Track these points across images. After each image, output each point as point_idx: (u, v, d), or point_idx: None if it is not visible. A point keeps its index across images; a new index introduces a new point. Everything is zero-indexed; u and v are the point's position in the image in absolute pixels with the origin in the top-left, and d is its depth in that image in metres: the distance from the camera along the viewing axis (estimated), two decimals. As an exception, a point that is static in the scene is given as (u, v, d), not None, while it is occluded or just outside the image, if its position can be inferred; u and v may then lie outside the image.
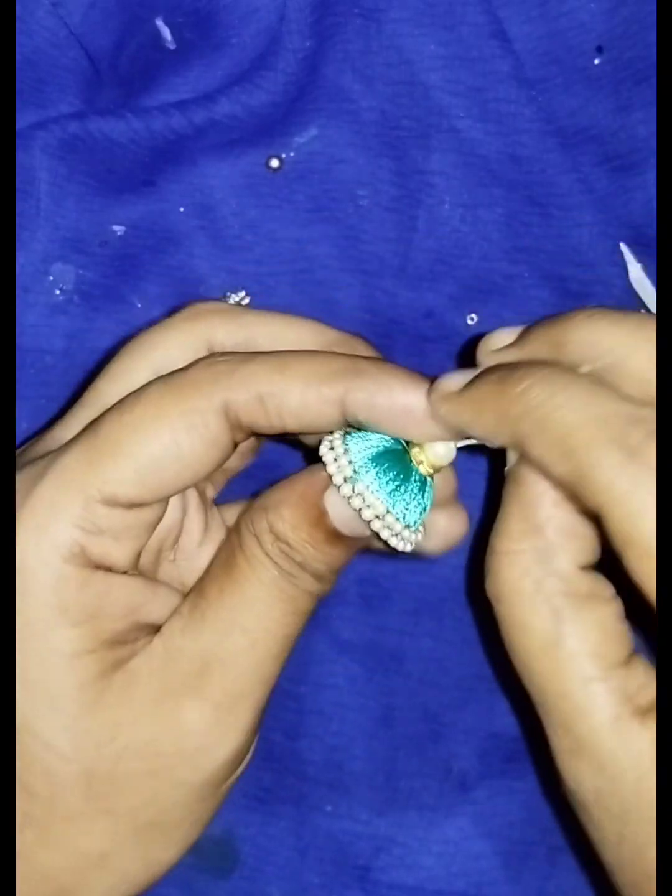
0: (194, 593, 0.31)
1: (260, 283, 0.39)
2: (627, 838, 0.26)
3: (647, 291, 0.39)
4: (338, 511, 0.29)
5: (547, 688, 0.27)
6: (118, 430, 0.29)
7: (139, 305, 0.39)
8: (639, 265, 0.39)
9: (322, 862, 0.38)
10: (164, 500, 0.30)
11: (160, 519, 0.31)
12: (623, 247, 0.39)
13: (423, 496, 0.31)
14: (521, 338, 0.29)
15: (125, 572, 0.30)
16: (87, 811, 0.29)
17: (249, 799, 0.39)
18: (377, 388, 0.29)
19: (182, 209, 0.39)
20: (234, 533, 0.31)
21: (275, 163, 0.39)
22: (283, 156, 0.39)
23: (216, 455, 0.30)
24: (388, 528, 0.30)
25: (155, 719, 0.29)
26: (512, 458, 0.28)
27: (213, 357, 0.30)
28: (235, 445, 0.30)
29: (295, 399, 0.29)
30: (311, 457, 0.32)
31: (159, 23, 0.39)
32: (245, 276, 0.39)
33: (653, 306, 0.39)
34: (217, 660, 0.29)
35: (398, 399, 0.29)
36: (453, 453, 0.30)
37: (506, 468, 0.29)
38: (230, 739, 0.30)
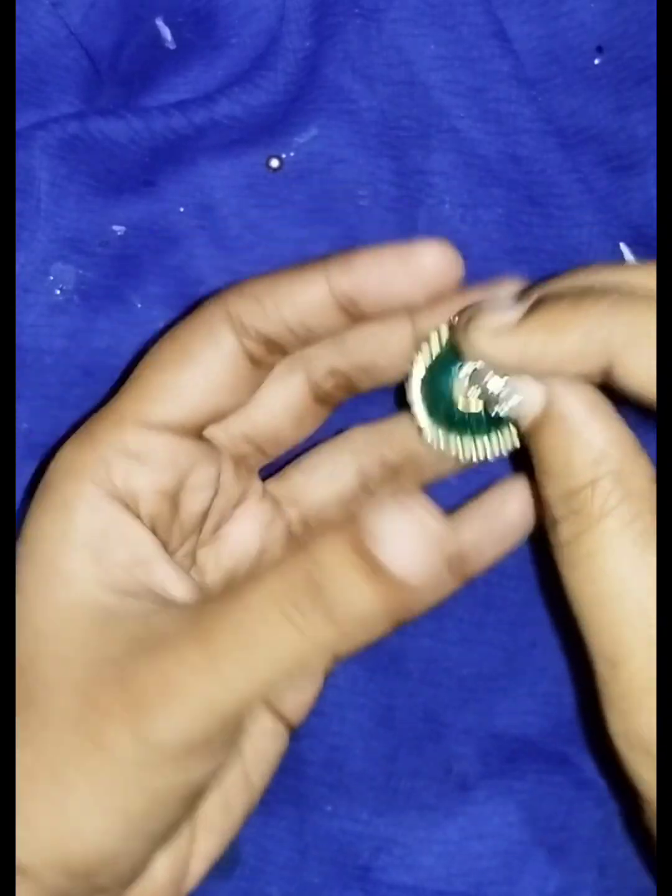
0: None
1: (260, 284, 0.39)
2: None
3: (646, 291, 0.39)
4: (388, 537, 0.25)
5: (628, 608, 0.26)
6: (143, 366, 0.30)
7: (139, 305, 0.39)
8: (639, 265, 0.39)
9: (322, 862, 0.38)
10: (192, 436, 0.30)
11: (188, 464, 0.30)
12: (623, 247, 0.39)
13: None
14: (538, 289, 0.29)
15: (141, 520, 0.30)
16: (20, 729, 0.27)
17: (249, 799, 0.39)
18: (363, 263, 0.29)
19: (182, 209, 0.39)
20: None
21: (275, 163, 0.39)
22: (283, 156, 0.39)
23: (234, 364, 0.30)
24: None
25: (100, 676, 0.27)
26: (538, 399, 0.28)
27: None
28: (258, 363, 0.30)
29: (285, 288, 0.30)
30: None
31: (159, 23, 0.39)
32: (245, 275, 0.39)
33: (653, 306, 0.39)
34: (169, 648, 0.27)
35: (380, 253, 0.29)
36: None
37: (527, 421, 0.28)
38: (159, 727, 0.27)
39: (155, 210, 0.39)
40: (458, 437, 0.31)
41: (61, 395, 0.39)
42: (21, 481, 0.38)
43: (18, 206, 0.38)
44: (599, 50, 0.39)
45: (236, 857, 0.38)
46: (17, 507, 0.38)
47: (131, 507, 0.30)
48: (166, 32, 0.39)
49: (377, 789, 0.39)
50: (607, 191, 0.39)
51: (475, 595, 0.39)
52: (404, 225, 0.39)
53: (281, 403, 0.33)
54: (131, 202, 0.39)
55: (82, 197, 0.39)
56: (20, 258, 0.38)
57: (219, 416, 0.31)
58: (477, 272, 0.39)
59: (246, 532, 0.33)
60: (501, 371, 0.29)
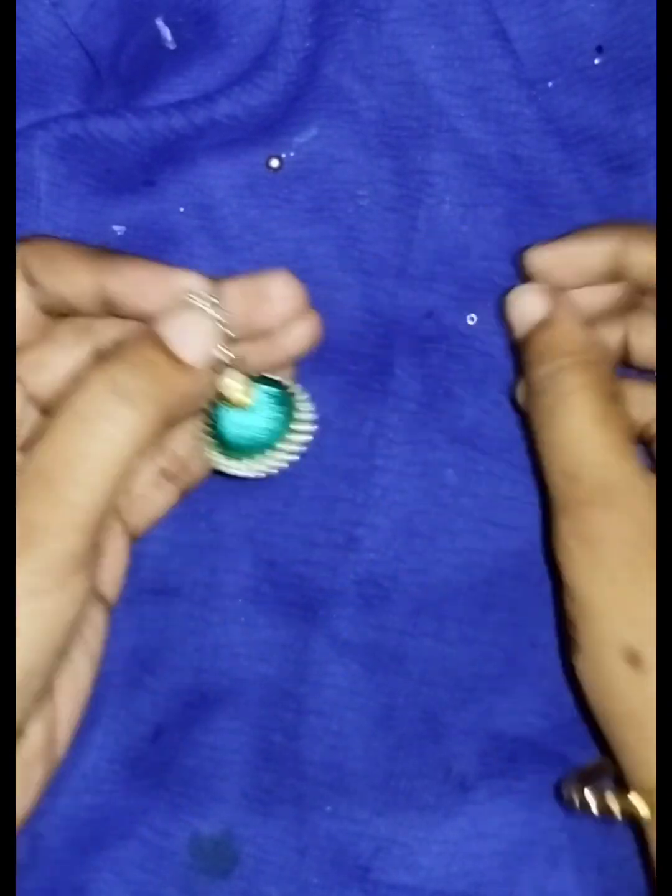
0: None
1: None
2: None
3: (646, 291, 0.39)
4: (172, 329, 0.31)
5: (562, 454, 0.33)
6: None
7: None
8: (638, 265, 0.39)
9: (322, 862, 0.38)
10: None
11: None
12: (623, 247, 0.39)
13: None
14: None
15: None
16: None
17: (249, 799, 0.39)
18: (128, 270, 0.33)
19: (182, 209, 0.39)
20: None
21: (275, 163, 0.39)
22: (284, 156, 0.39)
23: (26, 314, 0.33)
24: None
25: None
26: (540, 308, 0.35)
27: None
28: (53, 313, 0.33)
29: (61, 265, 0.32)
30: None
31: (159, 23, 0.39)
32: (245, 275, 0.39)
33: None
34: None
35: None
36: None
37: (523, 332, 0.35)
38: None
39: (155, 210, 0.39)
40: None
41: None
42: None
43: (19, 205, 0.38)
44: (599, 50, 0.39)
45: (235, 857, 0.39)
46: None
47: None
48: (166, 32, 0.39)
49: (377, 789, 0.39)
50: (607, 191, 0.39)
51: (475, 595, 0.39)
52: (404, 224, 0.39)
53: (68, 372, 0.34)
54: (131, 202, 0.39)
55: (82, 197, 0.39)
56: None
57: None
58: (477, 272, 0.39)
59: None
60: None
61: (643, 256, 0.34)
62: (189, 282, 0.33)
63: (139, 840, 0.38)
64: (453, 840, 0.38)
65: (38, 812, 0.34)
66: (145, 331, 0.31)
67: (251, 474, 0.35)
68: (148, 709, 0.40)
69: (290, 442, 0.35)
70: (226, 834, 0.39)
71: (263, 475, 0.35)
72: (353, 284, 0.39)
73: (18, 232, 0.38)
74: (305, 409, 0.36)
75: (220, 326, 0.33)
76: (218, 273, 0.39)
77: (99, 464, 0.30)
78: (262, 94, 0.38)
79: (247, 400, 0.35)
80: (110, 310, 0.33)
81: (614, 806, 0.31)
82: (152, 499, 0.37)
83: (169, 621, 0.40)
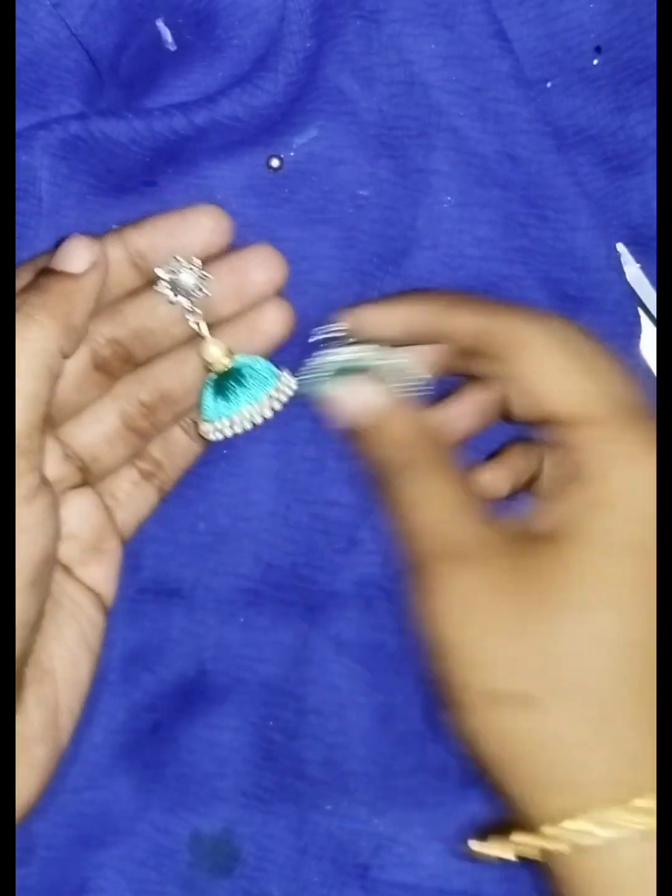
0: None
1: (260, 283, 0.39)
2: None
3: (645, 291, 0.39)
4: (57, 254, 0.35)
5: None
6: None
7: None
8: (637, 265, 0.39)
9: (322, 860, 0.38)
10: None
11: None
12: (621, 247, 0.39)
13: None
14: None
15: None
16: None
17: (249, 798, 0.39)
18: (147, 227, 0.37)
19: (182, 209, 0.39)
20: None
21: (275, 163, 0.39)
22: (284, 156, 0.39)
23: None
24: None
25: None
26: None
27: None
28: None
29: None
30: None
31: (160, 24, 0.39)
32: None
33: (652, 306, 0.39)
34: None
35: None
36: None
37: None
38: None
39: (155, 211, 0.39)
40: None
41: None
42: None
43: (19, 205, 0.38)
44: (598, 50, 0.39)
45: (236, 856, 0.39)
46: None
47: None
48: (167, 34, 0.39)
49: (377, 788, 0.39)
50: (605, 191, 0.39)
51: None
52: (403, 224, 0.39)
53: (100, 433, 0.37)
54: (132, 202, 0.39)
55: (83, 197, 0.39)
56: (21, 257, 0.38)
57: None
58: (476, 271, 0.39)
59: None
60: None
61: (460, 323, 0.35)
62: (204, 216, 0.36)
63: (140, 838, 0.38)
64: (453, 838, 0.38)
65: (39, 810, 0.34)
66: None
67: (235, 430, 0.37)
68: (148, 708, 0.40)
69: (271, 396, 0.37)
70: (226, 832, 0.39)
71: (244, 430, 0.37)
72: (353, 284, 0.39)
73: (20, 231, 0.38)
74: (286, 373, 0.37)
75: (197, 292, 0.36)
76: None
77: (21, 365, 0.32)
78: (262, 94, 0.38)
79: (226, 361, 0.37)
80: (139, 264, 0.36)
81: (507, 851, 0.32)
82: (135, 499, 0.38)
83: (169, 621, 0.40)
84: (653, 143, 0.39)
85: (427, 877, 0.38)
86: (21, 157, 0.38)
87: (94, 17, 0.39)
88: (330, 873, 0.38)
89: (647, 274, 0.39)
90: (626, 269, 0.39)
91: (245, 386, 0.37)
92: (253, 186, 0.39)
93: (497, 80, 0.38)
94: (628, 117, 0.39)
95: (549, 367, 0.34)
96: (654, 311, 0.39)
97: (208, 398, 0.37)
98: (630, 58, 0.39)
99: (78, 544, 0.37)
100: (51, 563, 0.34)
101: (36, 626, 0.34)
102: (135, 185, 0.39)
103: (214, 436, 0.37)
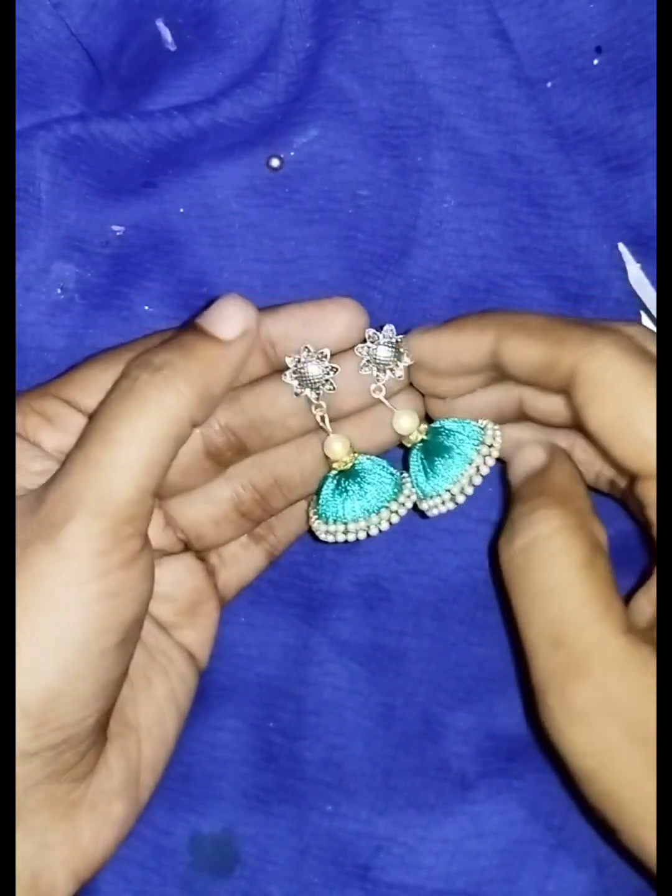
0: None
1: (261, 283, 0.39)
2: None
3: (646, 291, 0.39)
4: (206, 315, 0.33)
5: (541, 606, 0.31)
6: (85, 360, 0.36)
7: (140, 305, 0.39)
8: (637, 265, 0.39)
9: (322, 861, 0.38)
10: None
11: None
12: (622, 247, 0.39)
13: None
14: None
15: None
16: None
17: (249, 799, 0.39)
18: (282, 315, 0.35)
19: (182, 210, 0.39)
20: None
21: (275, 163, 0.39)
22: (284, 156, 0.39)
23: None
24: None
25: (21, 543, 0.31)
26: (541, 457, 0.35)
27: None
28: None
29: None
30: None
31: (160, 24, 0.39)
32: (245, 275, 0.39)
33: (652, 306, 0.39)
34: (57, 481, 0.31)
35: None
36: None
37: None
38: (63, 547, 0.30)
39: (155, 211, 0.39)
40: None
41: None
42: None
43: (19, 205, 0.38)
44: (598, 50, 0.39)
45: (236, 856, 0.39)
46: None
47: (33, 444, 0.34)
48: (167, 34, 0.39)
49: (377, 789, 0.39)
50: (606, 191, 0.39)
51: (475, 595, 0.39)
52: (404, 224, 0.39)
53: (208, 511, 0.36)
54: (132, 203, 0.39)
55: (83, 197, 0.39)
56: (21, 257, 0.38)
57: None
58: (476, 271, 0.39)
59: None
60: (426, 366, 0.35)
61: (518, 354, 0.32)
62: (339, 307, 0.34)
63: (140, 838, 0.38)
64: (453, 839, 0.38)
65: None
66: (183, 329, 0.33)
67: (348, 538, 0.36)
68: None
69: (390, 510, 0.36)
70: (226, 833, 0.39)
71: (356, 539, 0.36)
72: (353, 284, 0.39)
73: (20, 232, 0.38)
74: (408, 483, 0.36)
75: (324, 384, 0.34)
76: (219, 272, 0.39)
77: (150, 429, 0.31)
78: (262, 94, 0.39)
79: (348, 460, 0.35)
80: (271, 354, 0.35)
81: None
82: (241, 561, 0.38)
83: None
84: (653, 143, 0.39)
85: (427, 878, 0.38)
86: (21, 157, 0.38)
87: (94, 17, 0.39)
88: (330, 874, 0.38)
89: (648, 274, 0.39)
90: (628, 269, 0.39)
91: (365, 491, 0.36)
92: (253, 186, 0.39)
93: (498, 80, 0.38)
94: (628, 117, 0.39)
95: (617, 413, 0.31)
96: (654, 312, 0.39)
97: (327, 493, 0.36)
98: (630, 58, 0.39)
99: (173, 608, 0.36)
100: (140, 623, 0.33)
101: (120, 682, 0.33)
102: (135, 185, 0.40)
103: (325, 537, 0.36)
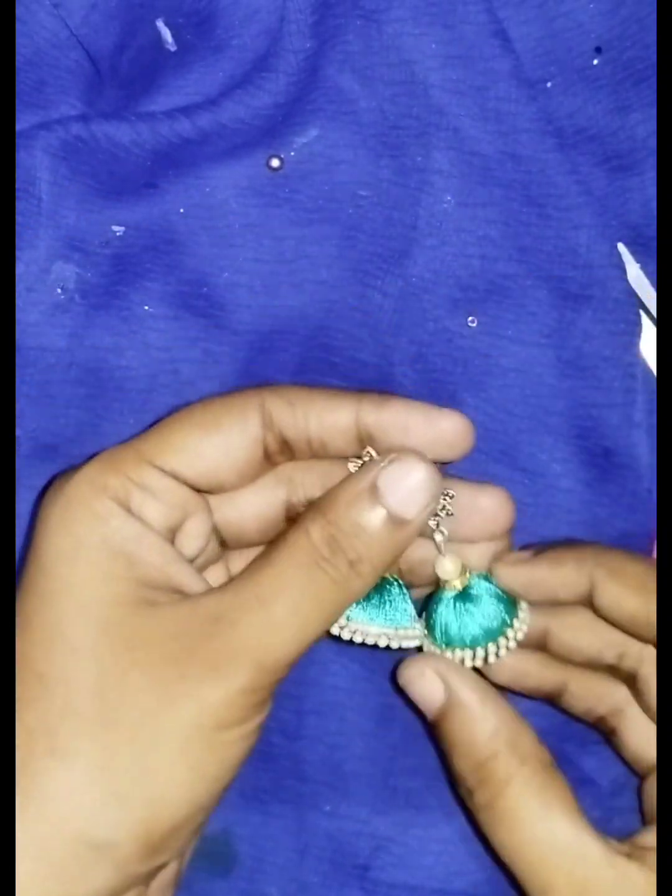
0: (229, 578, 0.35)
1: (261, 283, 0.39)
2: None
3: (645, 291, 0.39)
4: (392, 489, 0.32)
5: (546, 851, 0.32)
6: (175, 417, 0.34)
7: (140, 305, 0.39)
8: (637, 265, 0.39)
9: (321, 861, 0.38)
10: (202, 488, 0.34)
11: (195, 512, 0.34)
12: (621, 247, 0.39)
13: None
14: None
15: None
16: (93, 717, 0.31)
17: (248, 799, 0.39)
18: (387, 399, 0.34)
19: (182, 210, 0.39)
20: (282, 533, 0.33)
21: (276, 163, 0.39)
22: (284, 156, 0.39)
23: (251, 448, 0.34)
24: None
25: (165, 651, 0.31)
26: (439, 695, 0.34)
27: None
28: (268, 457, 0.34)
29: (318, 404, 0.34)
30: None
31: (160, 24, 0.39)
32: (246, 275, 0.39)
33: (652, 306, 0.39)
34: (228, 620, 0.31)
35: (409, 406, 0.34)
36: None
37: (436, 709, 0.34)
38: (228, 685, 0.31)
39: (155, 212, 0.39)
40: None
41: (65, 394, 0.39)
42: (27, 480, 0.38)
43: (20, 206, 0.38)
44: (598, 50, 0.39)
45: (235, 856, 0.39)
46: (26, 507, 0.38)
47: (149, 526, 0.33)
48: (167, 34, 0.39)
49: (376, 789, 0.39)
50: (606, 191, 0.39)
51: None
52: (404, 224, 0.39)
53: (256, 513, 0.36)
54: (132, 203, 0.39)
55: (83, 197, 0.39)
56: (22, 257, 0.38)
57: (220, 488, 0.34)
58: (476, 271, 0.39)
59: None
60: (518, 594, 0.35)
61: (613, 598, 0.33)
62: (451, 422, 0.34)
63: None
64: (452, 839, 0.38)
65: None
66: (364, 485, 0.32)
67: (476, 663, 0.35)
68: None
69: (505, 638, 0.35)
70: (225, 833, 0.39)
71: (468, 665, 0.35)
72: (353, 284, 0.39)
73: (20, 232, 0.38)
74: (524, 610, 0.36)
75: (442, 496, 0.34)
76: (219, 273, 0.39)
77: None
78: (262, 94, 0.39)
79: (459, 583, 0.35)
80: (367, 443, 0.34)
81: None
82: None
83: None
84: (653, 142, 0.39)
85: (426, 878, 0.38)
86: (21, 157, 0.38)
87: (94, 17, 0.39)
88: (329, 874, 0.38)
89: (648, 274, 0.39)
90: (627, 269, 0.39)
91: (472, 616, 0.35)
92: (253, 186, 0.39)
93: (498, 80, 0.38)
94: (628, 117, 0.39)
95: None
96: (654, 312, 0.39)
97: (439, 613, 0.36)
98: (630, 58, 0.39)
99: None
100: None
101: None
102: (135, 185, 0.40)
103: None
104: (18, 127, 0.39)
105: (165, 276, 0.39)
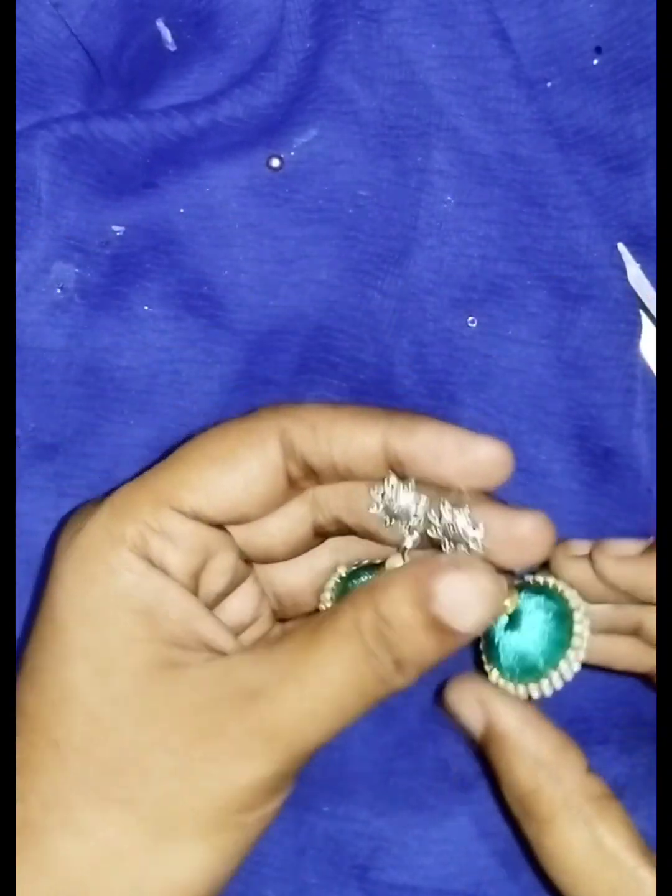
0: (271, 640, 0.34)
1: (261, 283, 0.39)
2: None
3: (645, 292, 0.39)
4: (450, 599, 0.29)
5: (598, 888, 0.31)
6: (188, 451, 0.32)
7: (140, 305, 0.39)
8: (637, 265, 0.39)
9: (320, 862, 0.38)
10: (224, 526, 0.32)
11: (218, 550, 0.32)
12: (621, 247, 0.39)
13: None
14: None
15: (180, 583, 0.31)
16: (111, 794, 0.30)
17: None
18: (417, 423, 0.31)
19: (182, 210, 0.39)
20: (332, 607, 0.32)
21: (275, 163, 0.39)
22: (284, 156, 0.39)
23: (273, 479, 0.32)
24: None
25: (192, 725, 0.30)
26: (479, 724, 0.33)
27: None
28: (292, 484, 0.32)
29: (342, 428, 0.31)
30: None
31: (160, 24, 0.39)
32: (246, 275, 0.39)
33: (652, 306, 0.39)
34: (266, 697, 0.29)
35: (441, 431, 0.31)
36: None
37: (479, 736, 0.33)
38: (257, 768, 0.30)
39: (155, 211, 0.39)
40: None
41: (65, 394, 0.39)
42: (27, 480, 0.38)
43: (19, 205, 0.38)
44: (598, 50, 0.39)
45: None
46: (26, 507, 0.38)
47: (169, 573, 0.32)
48: (167, 34, 0.39)
49: (375, 789, 0.38)
50: (606, 191, 0.39)
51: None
52: (404, 224, 0.39)
53: (283, 536, 0.34)
54: (132, 203, 0.39)
55: (83, 197, 0.39)
56: (21, 257, 0.38)
57: (244, 520, 0.32)
58: (476, 271, 0.39)
59: (243, 606, 0.35)
60: (610, 596, 0.33)
61: None
62: (487, 450, 0.31)
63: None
64: (452, 839, 0.38)
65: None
66: (422, 588, 0.29)
67: (523, 697, 0.33)
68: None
69: (567, 659, 0.32)
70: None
71: (536, 697, 0.33)
72: (353, 284, 0.39)
73: (19, 231, 0.38)
74: (581, 617, 0.33)
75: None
76: (219, 272, 0.39)
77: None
78: (262, 94, 0.39)
79: (508, 607, 0.32)
80: (396, 470, 0.32)
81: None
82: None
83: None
84: (653, 142, 0.39)
85: (426, 878, 0.38)
86: (21, 157, 0.38)
87: (94, 17, 0.39)
88: (328, 875, 0.38)
89: (648, 275, 0.39)
90: (627, 269, 0.39)
91: (530, 641, 0.33)
92: (253, 186, 0.39)
93: (498, 80, 0.38)
94: (628, 117, 0.39)
95: None
96: (654, 312, 0.39)
97: (495, 645, 0.33)
98: (630, 58, 0.39)
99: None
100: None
101: None
102: (135, 185, 0.40)
103: (532, 693, 0.33)
104: (18, 127, 0.39)
105: (165, 276, 0.39)
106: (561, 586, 0.33)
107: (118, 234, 0.39)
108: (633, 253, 0.39)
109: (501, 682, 0.33)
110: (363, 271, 0.39)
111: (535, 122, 0.38)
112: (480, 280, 0.39)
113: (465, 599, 0.29)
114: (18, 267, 0.38)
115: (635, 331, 0.39)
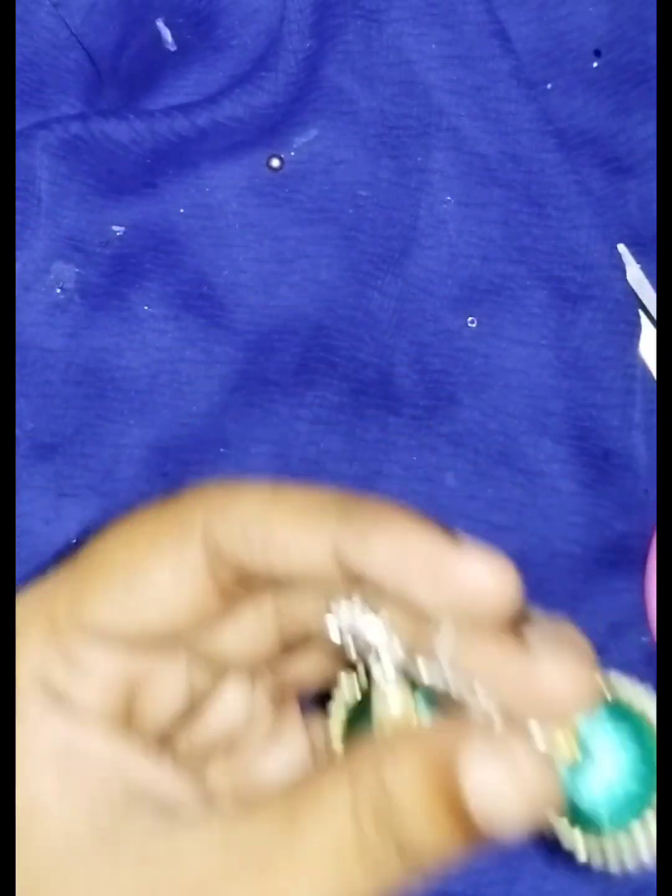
0: (248, 803, 0.24)
1: (261, 283, 0.39)
2: None
3: (645, 292, 0.39)
4: (481, 789, 0.21)
5: None
6: (91, 555, 0.25)
7: (139, 305, 0.39)
8: (637, 265, 0.39)
9: (320, 862, 0.38)
10: (144, 648, 0.25)
11: (154, 673, 0.26)
12: (621, 247, 0.39)
13: None
14: None
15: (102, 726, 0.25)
16: None
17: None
18: (377, 527, 0.23)
19: (182, 210, 0.39)
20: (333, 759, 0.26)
21: (275, 163, 0.39)
22: (284, 156, 0.39)
23: (194, 594, 0.24)
24: None
25: None
26: None
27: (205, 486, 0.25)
28: (226, 593, 0.25)
29: (280, 529, 0.23)
30: None
31: (160, 24, 0.39)
32: (246, 275, 0.39)
33: (652, 307, 0.39)
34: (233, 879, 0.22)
35: (408, 541, 0.23)
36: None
37: None
38: None
39: (155, 211, 0.39)
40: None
41: (64, 394, 0.39)
42: (27, 480, 0.38)
43: (19, 205, 0.38)
44: (598, 53, 0.39)
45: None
46: (26, 507, 0.38)
47: (84, 718, 0.25)
48: (167, 34, 0.39)
49: (376, 789, 0.38)
50: (605, 192, 0.39)
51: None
52: (404, 224, 0.39)
53: (240, 641, 0.26)
54: (132, 203, 0.39)
55: (83, 197, 0.39)
56: (21, 257, 0.38)
57: (174, 639, 0.25)
58: (476, 271, 0.39)
59: (225, 711, 0.28)
60: None
61: None
62: (477, 572, 0.22)
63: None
64: (452, 840, 0.38)
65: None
66: (443, 772, 0.21)
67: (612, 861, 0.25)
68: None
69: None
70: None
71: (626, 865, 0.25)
72: (353, 284, 0.39)
73: (19, 231, 0.38)
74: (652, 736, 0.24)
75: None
76: (219, 272, 0.39)
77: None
78: (262, 94, 0.39)
79: (568, 750, 0.23)
80: (349, 580, 0.23)
81: None
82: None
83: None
84: (652, 144, 0.39)
85: (426, 878, 0.37)
86: (21, 157, 0.38)
87: (94, 17, 0.39)
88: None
89: (648, 275, 0.39)
90: (627, 270, 0.39)
91: (608, 784, 0.24)
92: (253, 186, 0.39)
93: (498, 80, 0.38)
94: (628, 119, 0.39)
95: None
96: (654, 312, 0.39)
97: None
98: (630, 60, 0.39)
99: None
100: None
101: None
102: (135, 185, 0.40)
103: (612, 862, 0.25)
104: (18, 126, 0.39)
105: (165, 276, 0.39)
106: (630, 693, 0.24)
107: (118, 234, 0.39)
108: (633, 253, 0.39)
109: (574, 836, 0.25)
110: (363, 271, 0.39)
111: (535, 123, 0.38)
112: (480, 280, 0.39)
113: (504, 795, 0.21)
114: (18, 267, 0.38)
115: (635, 331, 0.39)
